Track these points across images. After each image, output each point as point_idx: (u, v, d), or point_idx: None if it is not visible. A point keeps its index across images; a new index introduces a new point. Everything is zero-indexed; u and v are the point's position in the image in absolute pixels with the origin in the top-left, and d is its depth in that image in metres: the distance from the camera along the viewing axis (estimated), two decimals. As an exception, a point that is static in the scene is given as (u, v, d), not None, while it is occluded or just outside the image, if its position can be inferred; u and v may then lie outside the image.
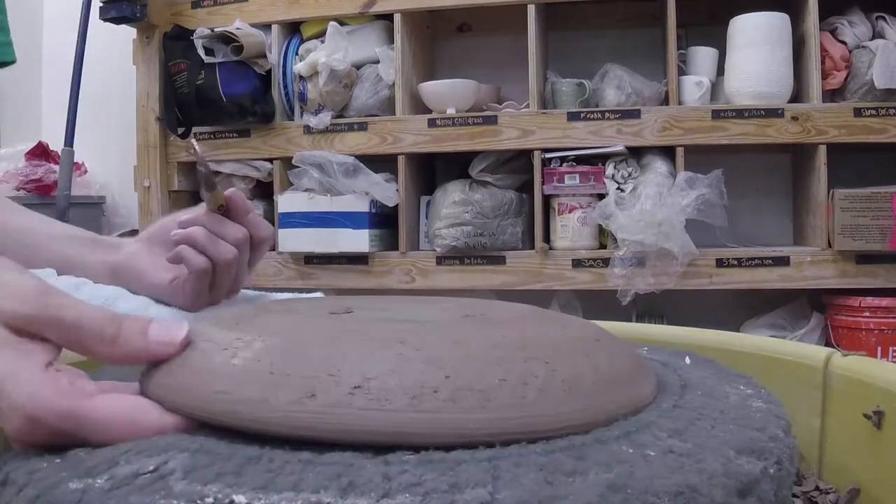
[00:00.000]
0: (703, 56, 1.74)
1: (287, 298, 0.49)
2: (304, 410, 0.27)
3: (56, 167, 2.00)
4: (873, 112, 1.59)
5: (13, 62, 0.65)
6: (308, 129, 1.83)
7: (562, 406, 0.29)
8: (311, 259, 1.85)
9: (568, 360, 0.32)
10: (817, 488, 0.41)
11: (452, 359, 0.29)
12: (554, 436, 0.28)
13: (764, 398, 0.34)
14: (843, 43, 1.62)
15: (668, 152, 1.71)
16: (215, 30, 1.84)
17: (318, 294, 0.84)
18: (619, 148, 1.68)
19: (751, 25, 1.63)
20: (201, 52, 1.83)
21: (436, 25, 2.03)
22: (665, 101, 1.72)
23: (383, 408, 0.27)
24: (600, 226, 1.70)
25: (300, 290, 0.92)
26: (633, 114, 1.69)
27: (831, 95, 1.64)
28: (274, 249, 1.88)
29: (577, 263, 1.70)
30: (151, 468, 0.26)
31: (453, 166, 1.89)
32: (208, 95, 1.82)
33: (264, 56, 1.85)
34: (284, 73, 1.87)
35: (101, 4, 1.86)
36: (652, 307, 1.78)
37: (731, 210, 1.64)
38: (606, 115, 1.70)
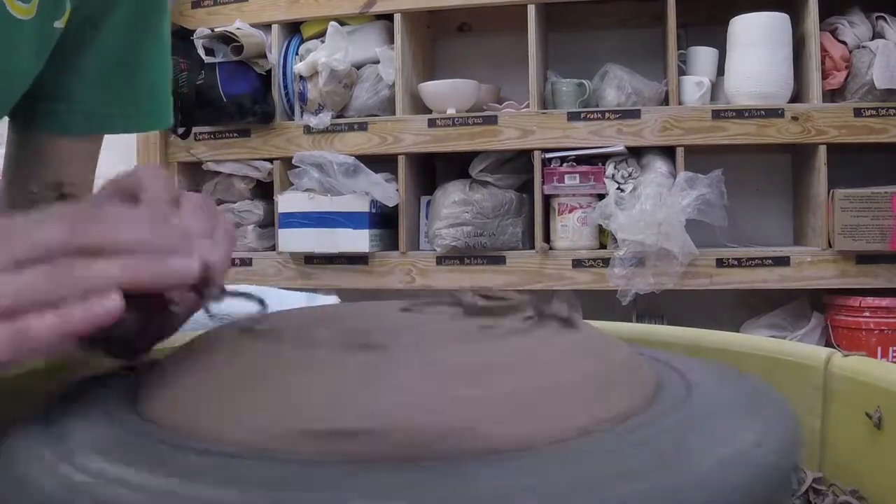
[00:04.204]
0: (703, 56, 1.74)
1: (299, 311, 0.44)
2: None
3: (56, 167, 2.00)
4: (873, 112, 1.59)
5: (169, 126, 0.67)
6: (308, 129, 1.83)
7: (555, 412, 0.29)
8: (311, 259, 1.84)
9: (561, 365, 0.32)
10: (817, 489, 0.41)
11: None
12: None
13: (772, 402, 0.33)
14: (843, 43, 1.62)
15: (668, 152, 1.71)
16: (215, 30, 1.84)
17: (334, 298, 0.82)
18: (619, 148, 1.68)
19: (751, 25, 1.63)
20: (201, 52, 1.83)
21: (436, 25, 2.03)
22: (665, 101, 1.72)
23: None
24: (600, 226, 1.70)
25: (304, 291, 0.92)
26: (633, 114, 1.69)
27: (831, 95, 1.64)
28: (274, 249, 1.89)
29: (577, 263, 1.70)
30: None
31: (453, 166, 1.89)
32: (208, 95, 1.82)
33: (264, 56, 1.85)
34: (284, 73, 1.87)
35: (102, 4, 1.86)
36: (652, 307, 1.78)
37: (731, 210, 1.64)
38: (606, 115, 1.70)
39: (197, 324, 0.41)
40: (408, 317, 0.38)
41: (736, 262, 1.65)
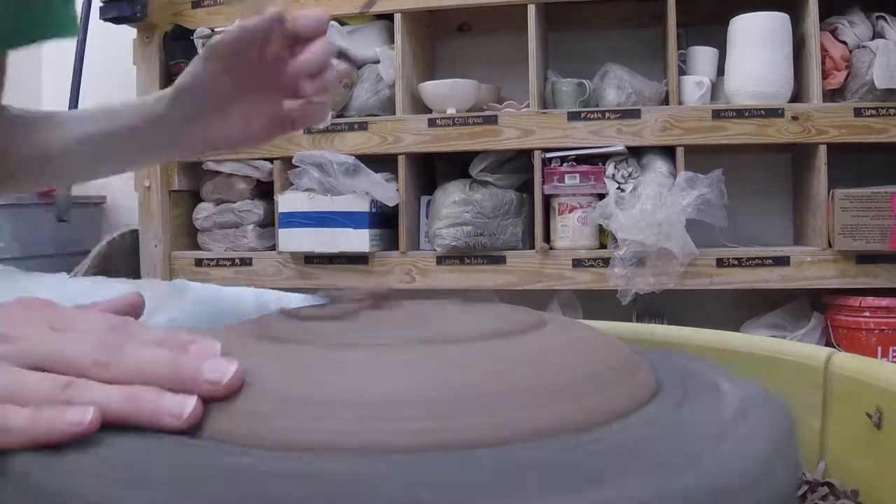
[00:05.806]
0: (703, 56, 1.74)
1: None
2: None
3: (56, 167, 1.99)
4: (873, 112, 1.59)
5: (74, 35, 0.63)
6: (308, 129, 1.83)
7: (549, 409, 0.29)
8: (311, 259, 1.84)
9: (556, 362, 0.32)
10: (816, 489, 0.41)
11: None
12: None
13: (770, 403, 0.33)
14: (844, 43, 1.62)
15: (668, 152, 1.71)
16: (215, 30, 1.83)
17: None
18: (620, 148, 1.68)
19: (751, 25, 1.63)
20: (201, 51, 1.82)
21: (436, 25, 2.03)
22: (665, 101, 1.72)
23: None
24: (600, 226, 1.70)
25: (302, 291, 0.92)
26: (633, 114, 1.69)
27: (831, 95, 1.64)
28: (274, 249, 1.89)
29: (578, 263, 1.70)
30: None
31: (453, 166, 1.89)
32: (208, 95, 1.82)
33: (264, 56, 1.85)
34: (284, 73, 1.87)
35: (101, 4, 1.86)
36: (652, 307, 1.78)
37: (731, 210, 1.64)
38: (606, 115, 1.70)
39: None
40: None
41: (736, 262, 1.65)
